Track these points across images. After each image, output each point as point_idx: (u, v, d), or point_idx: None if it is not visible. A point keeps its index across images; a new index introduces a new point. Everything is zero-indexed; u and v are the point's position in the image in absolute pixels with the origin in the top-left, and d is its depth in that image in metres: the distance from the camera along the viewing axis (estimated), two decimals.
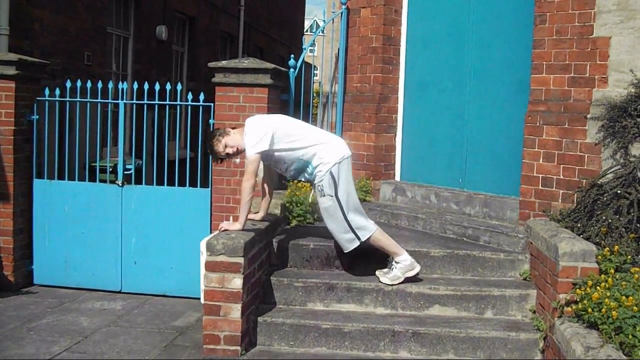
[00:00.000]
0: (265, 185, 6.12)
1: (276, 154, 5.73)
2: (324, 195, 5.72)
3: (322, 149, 5.73)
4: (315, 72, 10.95)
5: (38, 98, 7.79)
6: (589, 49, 6.09)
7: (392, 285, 5.80)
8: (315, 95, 8.88)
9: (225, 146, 5.64)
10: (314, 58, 8.58)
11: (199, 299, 5.69)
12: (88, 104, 7.83)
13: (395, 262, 5.82)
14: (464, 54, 7.31)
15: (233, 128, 5.80)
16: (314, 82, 8.61)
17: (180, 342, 6.26)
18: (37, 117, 7.75)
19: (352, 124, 8.10)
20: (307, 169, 5.78)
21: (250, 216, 5.88)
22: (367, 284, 5.87)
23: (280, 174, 6.23)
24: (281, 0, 21.74)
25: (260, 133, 5.54)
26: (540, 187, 6.35)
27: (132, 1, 12.20)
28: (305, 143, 5.73)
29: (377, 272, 5.94)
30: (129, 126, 9.20)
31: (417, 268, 5.84)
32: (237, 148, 5.66)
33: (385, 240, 5.84)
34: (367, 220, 5.88)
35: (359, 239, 5.74)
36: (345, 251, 5.88)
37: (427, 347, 5.45)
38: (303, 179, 5.97)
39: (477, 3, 7.27)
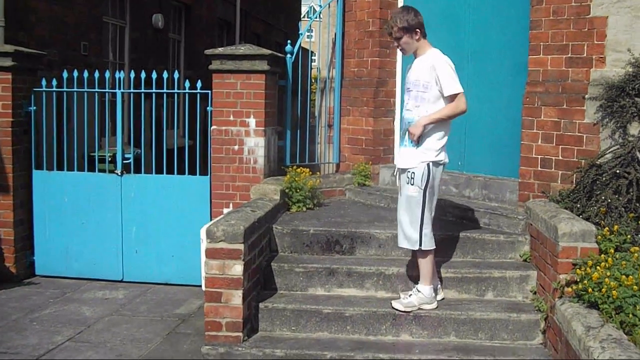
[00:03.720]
0: None
1: (423, 94, 5.41)
2: (412, 185, 5.40)
3: (441, 137, 5.45)
4: (314, 57, 10.92)
5: (35, 89, 7.78)
6: (586, 29, 6.07)
7: (404, 311, 5.49)
8: (313, 80, 8.85)
9: (400, 37, 5.46)
10: (310, 44, 8.55)
11: (201, 286, 5.70)
12: (85, 94, 7.81)
13: (418, 289, 5.55)
14: (462, 37, 7.28)
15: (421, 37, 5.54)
16: (311, 68, 8.57)
17: (182, 329, 6.28)
18: (34, 108, 7.75)
19: (350, 108, 8.09)
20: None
21: None
22: (368, 268, 5.88)
23: None
24: None
25: (454, 73, 5.41)
26: (539, 168, 6.34)
27: None
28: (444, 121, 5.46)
29: (392, 302, 5.58)
30: (127, 115, 9.19)
31: (434, 304, 5.55)
32: (402, 45, 5.51)
33: (430, 265, 5.53)
34: (433, 236, 5.57)
35: (420, 244, 5.43)
36: (399, 245, 5.64)
37: (429, 329, 5.47)
38: (404, 141, 5.56)
39: None
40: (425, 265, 5.52)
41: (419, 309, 5.51)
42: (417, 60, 5.57)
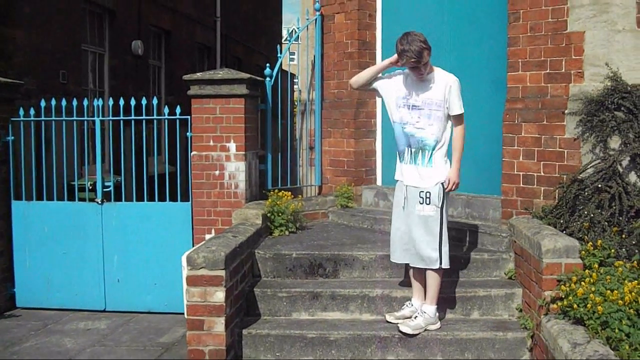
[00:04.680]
0: None
1: (436, 112, 5.36)
2: (428, 204, 5.35)
3: (448, 157, 5.47)
4: (296, 80, 10.92)
5: (13, 119, 7.69)
6: (564, 45, 6.09)
7: (413, 334, 5.40)
8: (295, 103, 8.82)
9: (425, 63, 5.28)
10: (290, 66, 8.53)
11: (184, 314, 5.62)
12: (64, 122, 7.75)
13: (423, 310, 5.49)
14: (441, 55, 7.25)
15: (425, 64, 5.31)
16: (293, 91, 8.55)
17: (166, 358, 6.18)
18: (12, 138, 7.66)
19: (331, 130, 8.06)
20: (428, 153, 5.40)
21: None
22: (352, 290, 5.81)
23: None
24: (258, 10, 21.69)
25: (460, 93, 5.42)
26: (521, 185, 6.33)
27: (107, 17, 12.12)
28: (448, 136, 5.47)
29: (399, 326, 5.47)
30: (107, 143, 9.12)
31: (439, 324, 5.52)
32: (420, 70, 5.31)
33: (439, 285, 5.49)
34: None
35: (440, 262, 5.38)
36: (419, 265, 5.47)
37: (415, 351, 5.40)
38: (411, 159, 5.48)
39: (451, 4, 7.27)
40: (436, 284, 5.47)
41: (426, 330, 5.45)
42: (426, 78, 5.41)
